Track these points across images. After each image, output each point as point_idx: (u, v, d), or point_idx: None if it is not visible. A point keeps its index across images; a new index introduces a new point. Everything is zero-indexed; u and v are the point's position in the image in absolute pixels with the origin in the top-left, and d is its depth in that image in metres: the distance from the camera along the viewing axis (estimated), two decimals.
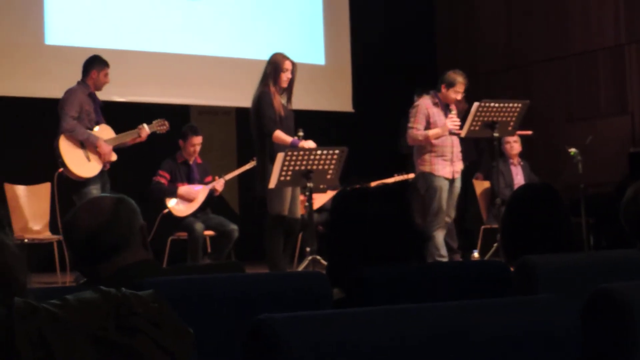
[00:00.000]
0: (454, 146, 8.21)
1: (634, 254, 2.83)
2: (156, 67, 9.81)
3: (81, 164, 7.59)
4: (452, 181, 8.21)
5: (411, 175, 9.31)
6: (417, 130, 8.15)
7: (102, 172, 7.68)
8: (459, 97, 8.27)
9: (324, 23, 11.28)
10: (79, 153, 7.59)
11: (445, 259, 7.98)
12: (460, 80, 8.22)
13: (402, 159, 9.83)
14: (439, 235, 8.12)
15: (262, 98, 7.38)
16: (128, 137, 7.82)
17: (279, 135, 7.34)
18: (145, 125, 7.87)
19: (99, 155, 7.59)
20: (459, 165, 8.29)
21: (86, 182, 7.58)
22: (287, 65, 7.51)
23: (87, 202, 2.69)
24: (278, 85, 7.47)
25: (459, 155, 8.33)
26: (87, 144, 7.59)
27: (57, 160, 7.57)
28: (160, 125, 8.09)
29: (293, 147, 7.29)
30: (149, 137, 7.96)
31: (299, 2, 11.20)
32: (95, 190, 7.49)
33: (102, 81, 7.73)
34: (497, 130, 8.19)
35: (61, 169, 7.60)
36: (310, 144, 7.47)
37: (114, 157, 7.70)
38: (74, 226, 2.58)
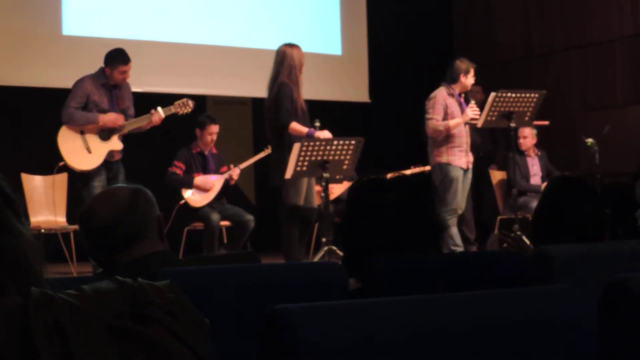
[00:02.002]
0: (469, 137, 8.25)
1: None
2: (172, 57, 9.83)
3: (80, 156, 7.46)
4: (465, 172, 8.25)
5: (427, 168, 9.31)
6: (436, 121, 8.16)
7: (109, 164, 7.56)
8: (473, 80, 8.35)
9: (340, 13, 11.26)
10: (78, 145, 7.47)
11: (460, 249, 7.99)
12: (471, 65, 8.34)
13: (419, 149, 9.82)
14: (454, 225, 8.14)
15: (280, 90, 7.37)
16: (138, 124, 7.65)
17: (295, 126, 7.34)
18: (159, 109, 7.69)
19: (115, 123, 7.49)
20: (472, 156, 8.34)
21: (89, 174, 7.47)
22: (303, 60, 7.52)
23: (103, 193, 2.70)
24: (295, 79, 7.46)
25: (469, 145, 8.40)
26: (87, 130, 7.47)
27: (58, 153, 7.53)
28: (182, 106, 7.88)
29: (309, 137, 7.29)
30: (166, 126, 7.91)
31: None
32: (97, 183, 7.35)
33: (115, 78, 7.58)
34: (514, 121, 8.19)
35: (61, 163, 7.56)
36: (326, 134, 7.46)
37: (119, 145, 7.57)
38: (90, 216, 2.58)
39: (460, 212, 8.30)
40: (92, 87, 7.55)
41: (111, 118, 7.50)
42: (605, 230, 3.28)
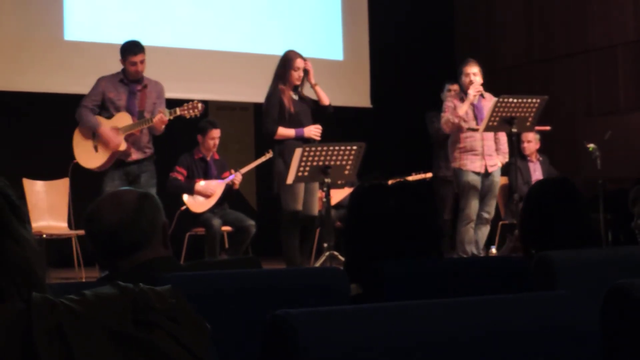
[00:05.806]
0: (484, 139, 8.25)
1: None
2: (175, 63, 9.83)
3: (87, 155, 7.41)
4: (486, 175, 8.25)
5: (429, 175, 9.35)
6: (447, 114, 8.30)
7: (125, 167, 7.42)
8: (476, 77, 8.33)
9: (342, 18, 11.27)
10: (87, 144, 7.42)
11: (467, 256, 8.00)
12: (465, 63, 8.44)
13: (421, 155, 9.82)
14: (468, 232, 8.15)
15: (268, 97, 7.46)
16: (142, 125, 7.38)
17: (282, 132, 7.42)
18: (165, 110, 7.43)
19: (107, 144, 7.32)
20: (495, 159, 8.34)
21: (102, 174, 7.40)
22: (299, 63, 7.53)
23: (111, 195, 2.65)
24: (289, 82, 7.50)
25: (502, 148, 8.42)
26: (95, 132, 7.40)
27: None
28: (190, 109, 7.51)
29: (299, 137, 7.40)
30: (168, 132, 7.86)
31: None
32: (110, 184, 7.26)
33: (129, 70, 7.42)
34: (516, 126, 8.19)
35: (75, 160, 7.54)
36: (314, 130, 7.52)
37: (122, 146, 7.35)
38: (97, 218, 2.54)
39: (488, 217, 8.33)
40: (106, 84, 7.41)
41: (109, 135, 7.32)
42: (592, 230, 3.23)
